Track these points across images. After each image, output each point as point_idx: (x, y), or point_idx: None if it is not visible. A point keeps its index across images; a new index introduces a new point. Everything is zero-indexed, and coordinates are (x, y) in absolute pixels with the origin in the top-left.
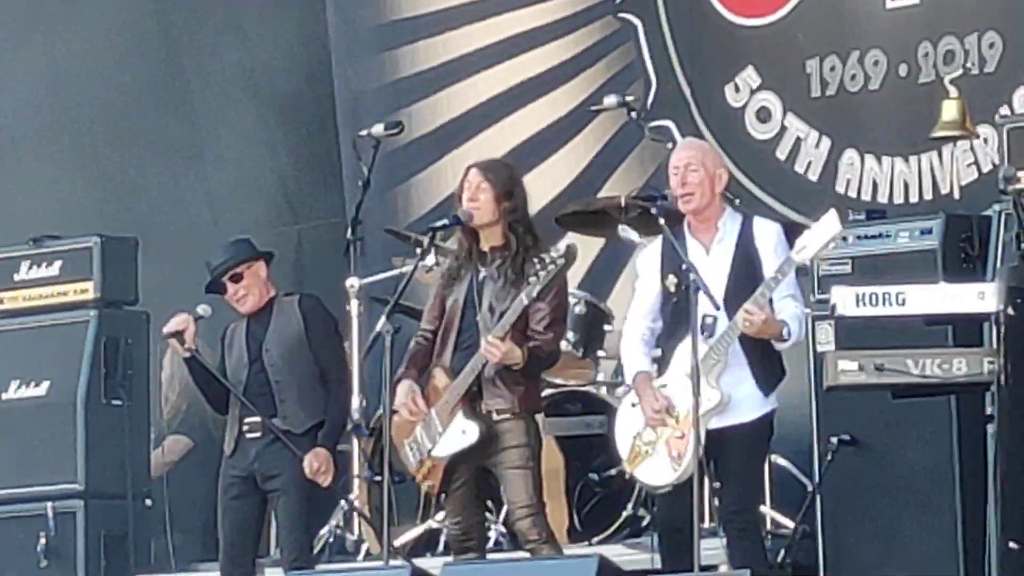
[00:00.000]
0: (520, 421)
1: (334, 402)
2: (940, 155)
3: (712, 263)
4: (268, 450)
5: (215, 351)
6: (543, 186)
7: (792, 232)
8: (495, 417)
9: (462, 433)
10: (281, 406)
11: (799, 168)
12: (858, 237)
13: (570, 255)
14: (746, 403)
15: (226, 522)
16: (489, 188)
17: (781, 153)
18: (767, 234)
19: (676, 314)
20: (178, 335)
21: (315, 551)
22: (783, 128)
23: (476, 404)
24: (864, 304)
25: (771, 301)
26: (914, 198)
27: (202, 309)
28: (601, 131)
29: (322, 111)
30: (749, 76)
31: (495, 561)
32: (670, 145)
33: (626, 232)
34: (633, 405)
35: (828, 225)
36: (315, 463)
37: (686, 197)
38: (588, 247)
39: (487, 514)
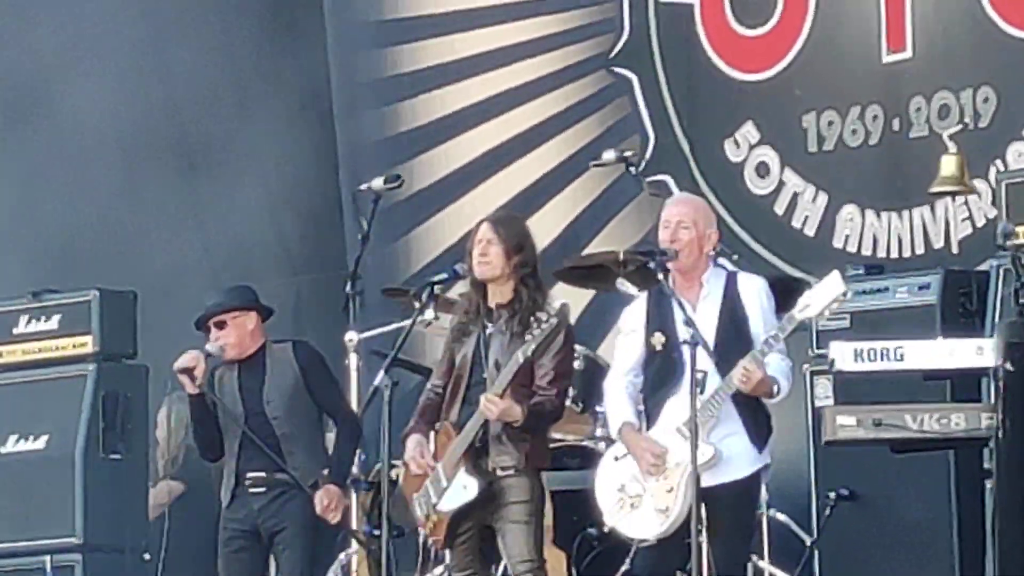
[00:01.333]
0: (523, 477)
1: (344, 438)
2: (933, 210)
3: (699, 321)
4: (273, 504)
5: None
6: (535, 236)
7: (786, 286)
8: (499, 473)
9: (463, 488)
10: (290, 458)
11: (796, 223)
12: (857, 292)
13: (562, 316)
14: (739, 459)
15: (228, 574)
16: (499, 242)
17: (779, 208)
18: (752, 290)
19: (662, 371)
20: (188, 371)
21: None
22: (781, 183)
23: (481, 460)
24: (862, 359)
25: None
26: (907, 252)
27: (212, 347)
28: (595, 184)
29: (322, 164)
30: (748, 131)
31: None
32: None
33: (624, 286)
34: (616, 459)
35: (832, 285)
36: (325, 499)
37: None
38: (578, 299)
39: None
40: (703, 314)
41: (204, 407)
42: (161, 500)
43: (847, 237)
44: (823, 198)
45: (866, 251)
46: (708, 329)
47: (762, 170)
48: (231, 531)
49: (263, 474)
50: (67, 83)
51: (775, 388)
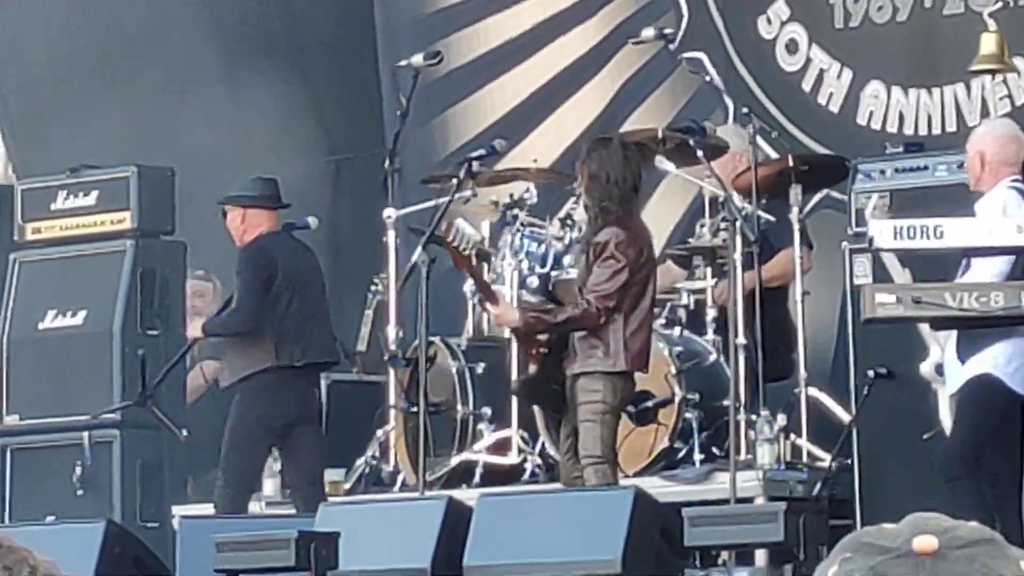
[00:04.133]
0: (597, 379)
1: (223, 317)
2: (968, 88)
3: None
4: None
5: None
6: (575, 117)
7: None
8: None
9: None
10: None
11: (822, 100)
12: (896, 170)
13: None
14: (951, 374)
15: None
16: (585, 175)
17: (806, 85)
18: (983, 207)
19: None
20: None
21: (349, 483)
22: (808, 60)
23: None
24: (902, 237)
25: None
26: (937, 130)
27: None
28: (631, 61)
29: (360, 42)
30: (780, 8)
31: (531, 492)
32: (707, 77)
33: (663, 164)
34: None
35: None
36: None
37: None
38: None
39: (524, 445)
40: None
41: None
42: (199, 382)
43: (871, 114)
44: (848, 74)
45: (891, 128)
46: None
47: (791, 47)
48: None
49: None
50: None
51: None
